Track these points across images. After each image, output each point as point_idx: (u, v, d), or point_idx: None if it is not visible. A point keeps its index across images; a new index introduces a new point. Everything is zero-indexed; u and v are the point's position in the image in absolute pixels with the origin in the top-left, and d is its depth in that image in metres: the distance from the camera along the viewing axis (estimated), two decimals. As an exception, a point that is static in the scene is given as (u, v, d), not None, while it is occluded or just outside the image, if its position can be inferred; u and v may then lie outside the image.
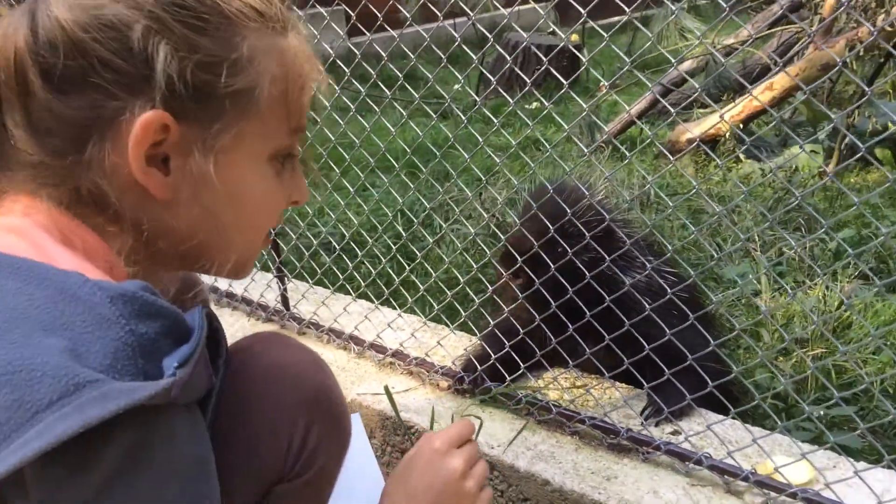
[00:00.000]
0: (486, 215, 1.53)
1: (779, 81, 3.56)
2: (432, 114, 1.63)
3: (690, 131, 3.54)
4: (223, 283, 2.26)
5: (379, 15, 1.63)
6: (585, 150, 1.39)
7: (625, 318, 1.46)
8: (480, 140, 1.57)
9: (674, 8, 1.28)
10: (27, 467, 0.57)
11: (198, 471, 0.70)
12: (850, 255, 1.21)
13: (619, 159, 3.84)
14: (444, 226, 2.34)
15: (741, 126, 3.74)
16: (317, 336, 2.06)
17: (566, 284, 1.49)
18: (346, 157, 1.84)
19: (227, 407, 0.96)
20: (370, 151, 1.84)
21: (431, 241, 1.94)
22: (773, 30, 3.93)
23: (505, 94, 1.51)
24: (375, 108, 1.76)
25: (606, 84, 1.30)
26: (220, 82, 0.76)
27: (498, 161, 1.54)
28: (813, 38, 1.72)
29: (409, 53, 1.61)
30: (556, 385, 1.73)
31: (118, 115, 0.73)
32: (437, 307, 1.83)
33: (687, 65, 4.26)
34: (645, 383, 1.50)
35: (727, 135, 3.78)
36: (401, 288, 2.00)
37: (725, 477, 1.42)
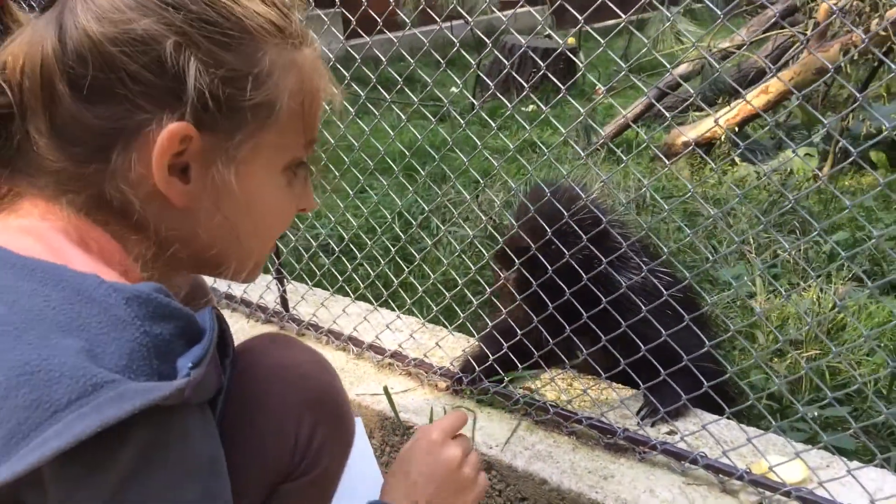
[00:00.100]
0: (483, 217, 1.55)
1: (774, 85, 3.59)
2: (431, 117, 1.65)
3: (685, 135, 3.56)
4: (222, 285, 2.27)
5: (379, 19, 1.65)
6: (582, 154, 1.40)
7: (621, 319, 1.48)
8: (478, 143, 1.59)
9: (669, 15, 1.29)
10: (45, 466, 0.58)
11: (210, 469, 0.72)
12: (843, 257, 1.23)
13: (615, 162, 3.86)
14: (442, 227, 2.35)
15: (736, 129, 3.76)
16: (316, 337, 2.07)
17: (561, 284, 1.51)
18: (346, 159, 1.86)
19: (234, 407, 0.98)
20: (368, 153, 1.86)
21: (430, 242, 1.95)
22: (767, 34, 3.95)
23: (501, 96, 1.52)
24: (374, 110, 1.77)
25: (603, 88, 1.31)
26: (242, 96, 0.78)
27: (496, 164, 1.55)
28: (807, 44, 1.74)
29: (409, 57, 1.63)
30: (554, 386, 1.75)
31: (144, 126, 0.75)
32: (435, 309, 1.85)
33: (682, 68, 4.29)
34: (641, 384, 1.52)
35: (722, 138, 3.80)
36: (399, 290, 2.02)
37: (721, 476, 1.43)
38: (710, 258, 1.61)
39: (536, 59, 1.39)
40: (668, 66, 1.30)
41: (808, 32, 3.47)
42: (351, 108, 1.76)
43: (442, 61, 1.54)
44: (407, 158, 1.77)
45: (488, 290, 1.72)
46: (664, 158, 1.35)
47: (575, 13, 1.36)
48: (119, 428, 0.59)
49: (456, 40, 1.55)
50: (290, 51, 0.83)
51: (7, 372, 0.60)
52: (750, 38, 3.93)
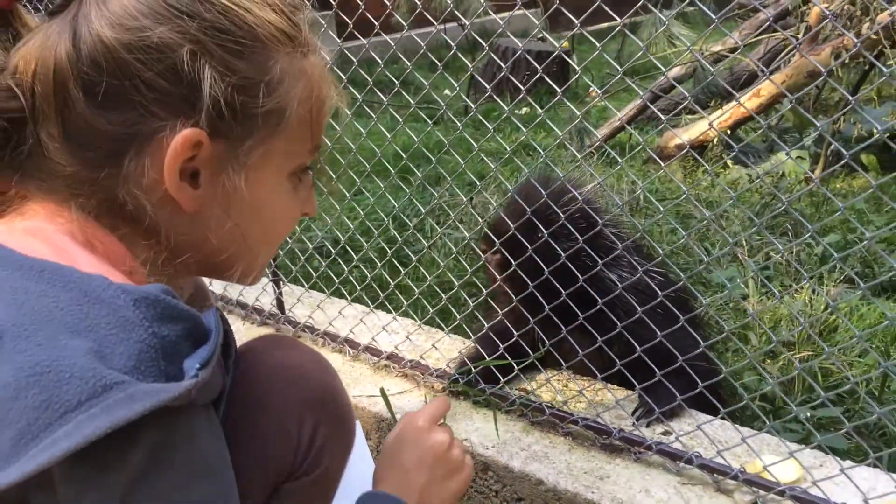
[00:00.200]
0: (480, 220, 1.56)
1: (766, 88, 3.61)
2: (427, 119, 1.66)
3: (679, 137, 3.58)
4: (217, 287, 2.28)
5: (375, 22, 1.66)
6: (578, 156, 1.42)
7: (615, 319, 1.49)
8: (475, 145, 1.60)
9: (663, 18, 1.31)
10: (55, 467, 0.59)
11: (217, 468, 0.73)
12: (836, 258, 1.24)
13: (608, 165, 3.88)
14: (438, 229, 2.36)
15: (728, 132, 3.78)
16: (312, 339, 2.08)
17: (543, 266, 1.52)
18: (342, 161, 1.87)
19: (237, 407, 0.98)
20: (362, 156, 1.87)
21: (426, 245, 1.96)
22: (759, 37, 3.98)
23: (497, 98, 1.53)
24: (371, 113, 1.78)
25: (598, 91, 1.32)
26: (255, 103, 0.79)
27: (493, 166, 1.56)
28: (798, 47, 1.75)
29: (405, 60, 1.64)
30: (549, 387, 1.76)
31: (157, 132, 0.76)
32: (431, 310, 1.85)
33: (675, 71, 4.31)
34: (636, 384, 1.53)
35: (715, 140, 3.82)
36: (396, 292, 2.02)
37: (715, 475, 1.44)
38: (704, 260, 1.62)
39: (532, 61, 1.40)
40: (663, 68, 1.31)
41: (800, 36, 3.50)
42: (348, 111, 1.76)
43: (439, 63, 1.55)
44: (404, 160, 1.78)
45: (484, 291, 1.73)
46: (659, 161, 1.36)
47: (571, 16, 1.37)
48: (129, 429, 0.60)
49: (452, 43, 1.56)
50: (299, 59, 0.84)
51: (17, 373, 0.61)
52: (742, 42, 3.95)
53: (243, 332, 2.17)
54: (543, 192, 1.55)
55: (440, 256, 2.65)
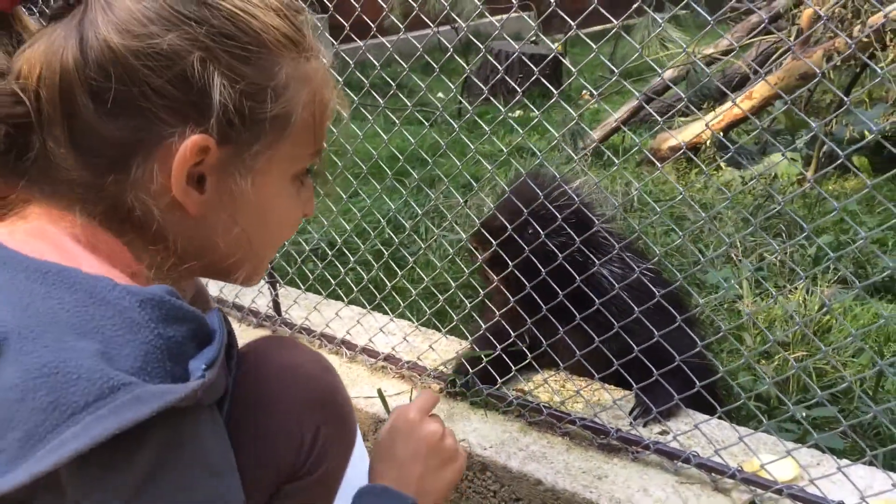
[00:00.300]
0: (477, 221, 1.57)
1: (758, 91, 3.62)
2: (424, 121, 1.66)
3: (676, 138, 3.60)
4: (214, 289, 2.27)
5: (372, 24, 1.66)
6: (575, 157, 1.42)
7: (609, 316, 1.50)
8: (472, 146, 1.60)
9: (659, 20, 1.32)
10: (63, 468, 0.59)
11: (223, 468, 0.73)
12: (831, 257, 1.25)
13: (601, 167, 3.89)
14: (435, 231, 2.37)
15: (721, 134, 3.80)
16: (308, 341, 2.08)
17: (538, 264, 1.53)
18: (339, 163, 1.87)
19: (239, 408, 0.98)
20: (357, 158, 1.87)
21: (423, 246, 1.97)
22: (752, 39, 3.99)
23: (493, 99, 1.53)
24: (368, 115, 1.78)
25: (595, 92, 1.32)
26: (262, 108, 0.80)
27: (489, 167, 1.57)
28: (793, 48, 1.76)
29: (402, 63, 1.64)
30: (546, 388, 1.76)
31: (165, 138, 0.76)
32: (429, 312, 1.86)
33: (667, 74, 4.32)
34: (634, 383, 1.54)
35: (707, 142, 3.83)
36: (393, 293, 2.02)
37: (713, 475, 1.45)
38: (700, 261, 1.63)
39: (529, 63, 1.41)
40: (659, 70, 1.32)
41: (792, 38, 3.51)
42: (345, 113, 1.76)
43: (436, 65, 1.55)
44: (400, 162, 1.78)
45: (481, 292, 1.74)
46: (656, 162, 1.37)
47: (568, 18, 1.38)
48: (136, 430, 0.60)
49: (450, 45, 1.57)
50: (303, 63, 0.84)
51: (24, 374, 0.61)
52: (736, 44, 3.97)
53: (240, 334, 2.17)
54: (534, 188, 1.56)
55: (436, 258, 2.65)
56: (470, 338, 1.87)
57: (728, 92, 1.50)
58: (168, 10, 0.74)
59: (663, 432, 1.58)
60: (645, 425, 1.60)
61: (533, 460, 1.56)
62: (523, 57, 1.36)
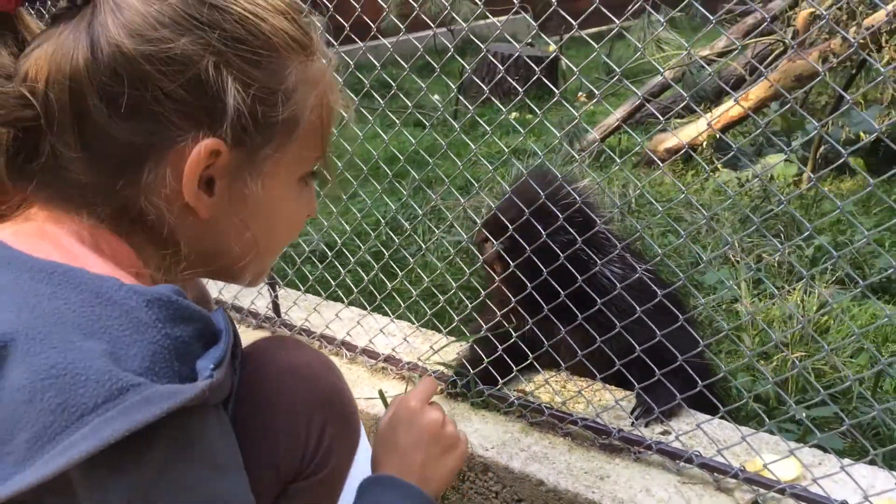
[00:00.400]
0: (478, 222, 1.57)
1: (753, 93, 3.63)
2: (416, 123, 1.66)
3: (678, 137, 3.60)
4: (213, 290, 2.27)
5: (372, 24, 1.66)
6: (577, 157, 1.42)
7: (611, 316, 1.50)
8: (473, 146, 1.60)
9: (661, 19, 1.32)
10: (73, 470, 0.59)
11: (230, 467, 0.73)
12: (836, 257, 1.25)
13: (598, 168, 3.89)
14: (436, 231, 2.36)
15: (717, 136, 3.80)
16: (308, 342, 2.07)
17: (539, 265, 1.53)
18: (339, 164, 1.87)
19: (244, 408, 0.98)
20: (356, 160, 1.88)
21: (424, 247, 1.97)
22: (749, 41, 4.00)
23: (495, 99, 1.54)
24: (369, 116, 1.78)
25: (597, 92, 1.32)
26: (273, 112, 0.80)
27: (491, 168, 1.57)
28: (795, 47, 1.77)
29: (403, 64, 1.64)
30: (547, 388, 1.76)
31: (177, 142, 0.76)
32: (429, 312, 1.86)
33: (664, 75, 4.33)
34: (636, 383, 1.54)
35: (703, 144, 3.84)
36: (394, 294, 2.02)
37: (715, 474, 1.45)
38: (699, 262, 1.63)
39: (531, 63, 1.41)
40: (661, 70, 1.32)
41: (788, 40, 3.52)
42: (346, 115, 1.77)
43: (436, 66, 1.55)
44: (401, 163, 1.78)
45: (482, 292, 1.74)
46: (659, 162, 1.37)
47: (570, 18, 1.38)
48: (145, 431, 0.60)
49: (449, 47, 1.57)
50: (311, 66, 0.84)
51: (31, 375, 0.60)
52: (733, 45, 3.98)
53: (239, 335, 2.16)
54: (544, 186, 1.55)
55: (436, 258, 2.65)
56: (470, 338, 1.86)
57: (730, 91, 1.50)
58: (179, 13, 0.74)
59: (665, 432, 1.58)
60: (647, 425, 1.60)
61: (535, 461, 1.56)
62: (526, 58, 1.36)
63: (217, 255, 0.87)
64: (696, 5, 1.28)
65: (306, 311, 2.13)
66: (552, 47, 1.53)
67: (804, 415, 1.84)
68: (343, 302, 2.11)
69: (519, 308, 1.63)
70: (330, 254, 2.08)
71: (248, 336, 2.14)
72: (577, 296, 1.53)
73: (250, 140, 0.80)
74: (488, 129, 1.61)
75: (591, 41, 1.39)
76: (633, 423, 1.60)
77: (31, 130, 0.75)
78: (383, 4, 1.63)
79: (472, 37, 1.50)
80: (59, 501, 0.62)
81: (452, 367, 1.83)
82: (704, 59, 3.93)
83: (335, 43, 1.72)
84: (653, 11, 1.37)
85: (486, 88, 1.53)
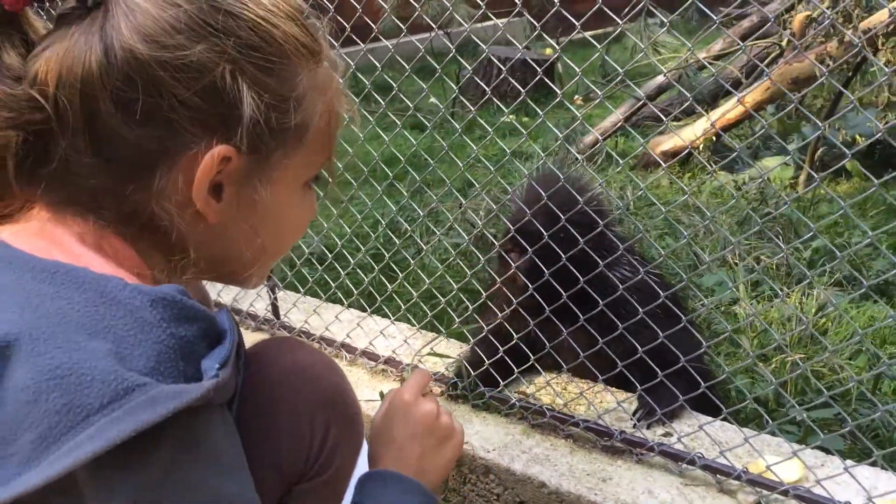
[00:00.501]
0: (480, 223, 1.56)
1: (750, 96, 3.64)
2: (426, 124, 1.66)
3: (680, 137, 3.61)
4: (212, 291, 2.26)
5: (373, 25, 1.66)
6: (579, 158, 1.42)
7: (613, 316, 1.49)
8: (475, 149, 1.60)
9: (665, 20, 1.32)
10: (79, 470, 0.58)
11: (235, 467, 0.73)
12: (839, 257, 1.26)
13: (595, 171, 3.89)
14: (437, 232, 2.36)
15: (714, 139, 3.81)
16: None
17: (574, 271, 1.52)
18: (340, 167, 1.86)
19: (248, 408, 0.98)
20: (353, 162, 1.88)
21: (425, 248, 1.96)
22: (748, 43, 4.01)
23: (498, 101, 1.54)
24: (370, 118, 1.78)
25: (599, 93, 1.32)
26: (284, 119, 0.80)
27: (492, 169, 1.57)
28: (799, 49, 1.78)
29: (405, 65, 1.64)
30: (548, 390, 1.76)
31: (190, 148, 0.75)
32: (430, 314, 1.85)
33: (659, 79, 4.33)
34: (638, 385, 1.54)
35: (700, 147, 3.85)
36: (394, 295, 2.02)
37: (718, 476, 1.45)
38: (696, 264, 1.63)
39: (535, 65, 1.41)
40: (662, 71, 1.32)
41: (785, 43, 3.53)
42: (346, 117, 1.76)
43: (438, 67, 1.55)
44: (401, 165, 1.78)
45: (483, 294, 1.73)
46: (662, 163, 1.37)
47: (574, 21, 1.38)
48: (151, 431, 0.60)
49: (452, 47, 1.56)
50: (319, 72, 0.84)
51: (36, 376, 0.60)
52: (729, 48, 3.99)
53: (242, 335, 2.16)
54: (561, 191, 1.54)
55: (437, 260, 2.64)
56: (472, 340, 1.86)
57: (734, 91, 1.50)
58: (195, 20, 0.73)
59: (667, 434, 1.58)
60: (648, 427, 1.60)
61: (536, 463, 1.56)
62: (530, 60, 1.36)
63: (226, 261, 0.87)
64: (701, 6, 1.28)
65: (306, 314, 2.12)
66: (549, 50, 1.53)
67: (805, 416, 1.84)
68: (343, 304, 2.10)
69: (521, 310, 1.62)
70: (330, 255, 2.07)
71: (247, 338, 2.12)
72: (583, 298, 1.52)
73: (262, 147, 0.79)
74: (490, 130, 1.61)
75: (594, 42, 1.39)
76: (634, 424, 1.60)
77: (40, 134, 0.74)
78: (384, 4, 1.63)
79: (475, 39, 1.50)
80: (64, 502, 0.61)
81: (453, 368, 1.83)
82: (701, 63, 3.94)
83: (336, 45, 1.72)
84: (656, 11, 1.37)
85: (488, 90, 1.53)
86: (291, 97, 0.80)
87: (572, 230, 1.52)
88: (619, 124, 4.06)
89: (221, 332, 0.74)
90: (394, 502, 1.02)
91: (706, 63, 3.84)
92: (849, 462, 1.42)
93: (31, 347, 0.61)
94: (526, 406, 1.67)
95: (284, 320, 2.14)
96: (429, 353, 1.87)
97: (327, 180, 0.99)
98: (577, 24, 1.40)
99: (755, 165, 3.56)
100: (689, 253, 2.91)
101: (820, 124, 1.20)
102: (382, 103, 1.71)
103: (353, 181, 1.89)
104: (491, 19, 1.56)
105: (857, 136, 3.68)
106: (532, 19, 1.49)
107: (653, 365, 1.47)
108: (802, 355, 2.17)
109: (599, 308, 1.51)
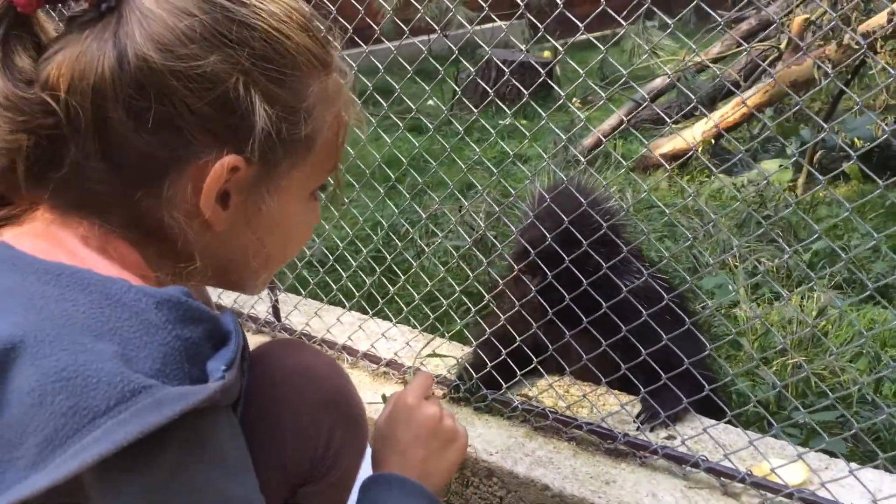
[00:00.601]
0: (483, 225, 1.56)
1: (749, 99, 3.65)
2: (429, 125, 1.66)
3: (683, 138, 3.61)
4: (212, 294, 2.25)
5: (376, 27, 1.66)
6: (582, 160, 1.42)
7: (621, 324, 1.49)
8: (477, 150, 1.60)
9: (669, 21, 1.32)
10: (86, 473, 0.58)
11: (241, 469, 0.73)
12: (844, 259, 1.26)
13: (595, 173, 3.89)
14: (439, 235, 2.36)
15: (713, 141, 3.82)
16: (308, 347, 2.06)
17: (583, 279, 1.51)
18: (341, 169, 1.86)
19: (252, 410, 0.98)
20: (354, 164, 1.88)
21: (427, 251, 1.96)
22: (752, 45, 4.01)
23: (501, 103, 1.55)
24: (372, 121, 1.77)
25: (603, 94, 1.32)
26: (294, 130, 0.80)
27: (495, 172, 1.57)
28: (804, 50, 1.78)
29: (408, 66, 1.64)
30: (551, 392, 1.75)
31: (200, 157, 0.75)
32: (432, 316, 1.85)
33: (658, 81, 4.34)
34: (642, 388, 1.53)
35: (699, 150, 3.85)
36: (395, 298, 2.01)
37: (722, 479, 1.45)
38: (696, 267, 1.63)
39: (539, 68, 1.41)
40: (666, 72, 1.32)
41: (783, 46, 3.54)
42: (362, 127, 1.77)
43: (441, 69, 1.55)
44: (403, 167, 1.78)
45: (486, 296, 1.73)
46: (665, 165, 1.37)
47: (578, 22, 1.38)
48: (157, 433, 0.60)
49: (455, 49, 1.56)
50: (330, 84, 0.84)
51: (42, 378, 0.60)
52: (727, 51, 4.00)
53: (246, 337, 2.15)
54: (575, 203, 1.54)
55: (439, 262, 2.64)
56: (474, 342, 1.86)
57: (738, 92, 1.50)
58: (209, 30, 0.73)
59: (670, 437, 1.58)
60: (652, 430, 1.60)
61: (539, 465, 1.55)
62: (534, 62, 1.37)
63: (231, 268, 0.88)
64: (705, 7, 1.28)
65: (307, 316, 2.11)
66: (547, 53, 1.53)
67: (808, 418, 1.84)
68: (344, 306, 2.09)
69: (527, 314, 1.62)
70: (331, 258, 2.06)
71: (248, 340, 2.13)
72: (591, 303, 1.52)
73: (271, 157, 0.79)
74: (493, 132, 1.60)
75: (598, 44, 1.39)
76: (638, 427, 1.60)
77: (51, 138, 0.74)
78: (385, 5, 1.62)
79: (478, 41, 1.50)
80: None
81: (454, 370, 1.82)
82: (699, 66, 3.95)
83: (338, 47, 1.72)
84: (658, 12, 1.37)
85: (491, 92, 1.53)
86: (302, 108, 0.80)
87: (594, 254, 1.52)
88: (622, 126, 4.06)
89: (226, 333, 0.74)
90: None
91: (709, 62, 3.84)
92: (853, 465, 1.42)
93: (37, 349, 0.61)
94: (528, 409, 1.67)
95: (285, 323, 2.13)
96: (430, 355, 1.87)
97: (332, 187, 0.99)
98: (580, 25, 1.40)
99: (758, 167, 3.56)
100: (689, 256, 2.91)
101: (825, 126, 1.20)
102: (385, 105, 1.70)
103: (354, 183, 1.89)
104: (489, 22, 1.56)
105: (856, 140, 3.68)
106: (534, 21, 1.49)
107: (656, 368, 1.47)
108: (804, 358, 2.17)
109: (603, 311, 1.50)
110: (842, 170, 1.17)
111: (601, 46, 1.39)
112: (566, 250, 1.52)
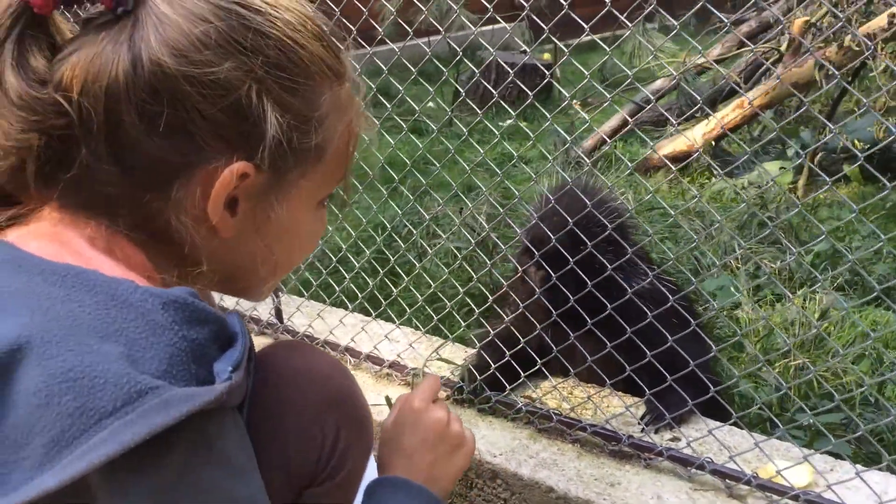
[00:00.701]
0: (486, 227, 1.56)
1: (752, 100, 3.65)
2: (428, 127, 1.66)
3: (687, 138, 3.61)
4: (214, 295, 2.25)
5: (379, 27, 1.66)
6: (587, 161, 1.42)
7: (626, 326, 1.49)
8: (481, 151, 1.60)
9: (675, 23, 1.31)
10: (93, 473, 0.58)
11: (247, 470, 0.73)
12: (849, 260, 1.25)
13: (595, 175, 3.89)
14: (443, 236, 2.36)
15: (714, 143, 3.81)
16: (310, 349, 2.05)
17: (586, 279, 1.51)
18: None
19: (258, 412, 0.97)
20: (357, 166, 1.88)
21: (431, 252, 1.96)
22: (757, 47, 4.01)
23: (504, 103, 1.55)
24: (376, 122, 1.77)
25: (607, 95, 1.33)
26: (305, 139, 0.80)
27: (499, 173, 1.56)
28: (809, 51, 1.78)
29: (412, 68, 1.64)
30: (555, 394, 1.75)
31: (210, 163, 0.75)
32: (435, 318, 1.84)
33: (659, 83, 4.34)
34: (647, 389, 1.53)
35: (701, 151, 3.85)
36: (398, 299, 2.01)
37: (727, 481, 1.44)
38: (697, 269, 1.63)
39: (542, 68, 1.40)
40: (671, 72, 1.32)
41: (784, 48, 3.54)
42: (371, 135, 1.77)
43: (444, 69, 1.55)
44: (407, 168, 1.77)
45: (490, 297, 1.72)
46: (671, 166, 1.37)
47: (583, 23, 1.38)
48: (164, 434, 0.60)
49: (459, 49, 1.56)
50: (342, 94, 0.84)
51: (48, 379, 0.60)
52: (727, 53, 4.00)
53: (252, 339, 2.15)
54: (582, 203, 1.54)
55: (441, 264, 2.63)
56: (478, 344, 1.85)
57: (743, 93, 1.50)
58: (224, 37, 0.73)
59: (675, 439, 1.57)
60: (656, 432, 1.60)
61: (544, 467, 1.55)
62: (539, 64, 1.36)
63: (240, 277, 0.89)
64: (710, 7, 1.28)
65: (309, 318, 2.11)
66: (546, 55, 1.53)
67: (811, 421, 1.84)
68: (347, 308, 2.09)
69: (531, 317, 1.62)
70: (334, 259, 2.06)
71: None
72: (597, 306, 1.52)
73: (281, 165, 0.80)
74: (497, 133, 1.60)
75: (603, 45, 1.39)
76: (643, 429, 1.60)
77: (62, 139, 0.74)
78: (387, 5, 1.62)
79: (482, 42, 1.50)
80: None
81: (458, 372, 1.82)
82: (700, 68, 3.95)
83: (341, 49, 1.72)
84: (662, 13, 1.37)
85: (496, 94, 1.53)
86: (314, 117, 0.80)
87: (599, 256, 1.51)
88: (627, 128, 4.06)
89: (232, 334, 0.74)
90: None
91: (712, 62, 3.85)
92: (859, 466, 1.42)
93: (43, 350, 0.61)
94: (532, 410, 1.66)
95: (288, 324, 2.13)
96: (435, 359, 1.86)
97: (341, 195, 1.00)
98: (586, 26, 1.40)
99: (761, 168, 3.56)
100: (690, 257, 2.91)
101: (832, 127, 1.20)
102: (388, 106, 1.70)
103: (357, 185, 1.89)
104: (490, 24, 1.56)
105: (856, 142, 3.68)
106: (539, 22, 1.49)
107: (661, 369, 1.46)
108: (808, 359, 2.16)
109: (607, 313, 1.50)
110: (844, 173, 1.16)
111: (606, 48, 1.39)
112: (572, 251, 1.52)
